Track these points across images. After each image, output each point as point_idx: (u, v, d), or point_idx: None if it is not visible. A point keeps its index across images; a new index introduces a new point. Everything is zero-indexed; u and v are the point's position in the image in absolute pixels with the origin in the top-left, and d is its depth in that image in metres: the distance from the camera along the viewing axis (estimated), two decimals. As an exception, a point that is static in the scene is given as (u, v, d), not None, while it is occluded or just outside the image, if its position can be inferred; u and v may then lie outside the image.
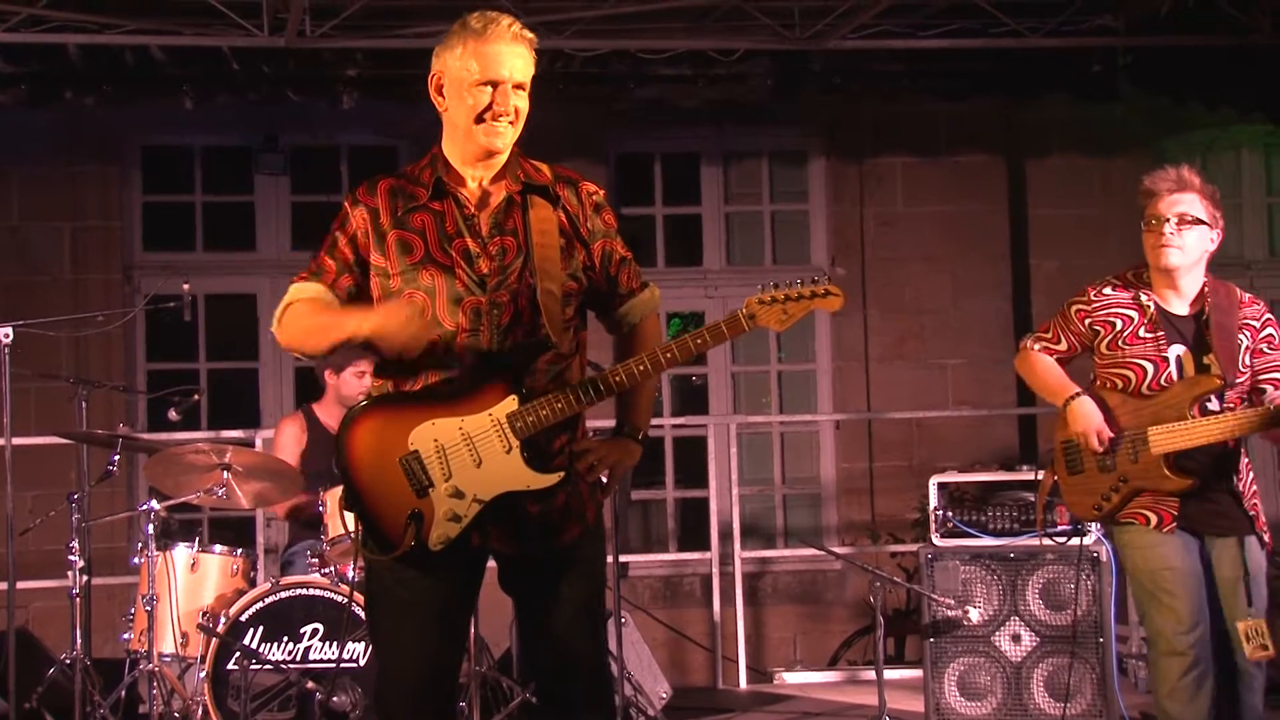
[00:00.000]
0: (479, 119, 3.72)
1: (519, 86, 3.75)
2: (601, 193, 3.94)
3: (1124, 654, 7.60)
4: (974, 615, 6.38)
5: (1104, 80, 9.12)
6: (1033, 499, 6.45)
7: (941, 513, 6.54)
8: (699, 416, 9.74)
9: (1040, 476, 5.51)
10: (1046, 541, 6.35)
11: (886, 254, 10.04)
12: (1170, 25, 8.56)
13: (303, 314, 3.79)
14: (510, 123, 3.74)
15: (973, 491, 6.87)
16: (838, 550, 8.26)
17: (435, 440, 3.65)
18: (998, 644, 6.42)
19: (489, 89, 3.72)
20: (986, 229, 10.13)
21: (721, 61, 8.86)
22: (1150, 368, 4.97)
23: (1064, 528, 6.32)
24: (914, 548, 7.84)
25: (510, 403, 3.65)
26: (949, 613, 6.39)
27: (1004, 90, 9.45)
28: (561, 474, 3.70)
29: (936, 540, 6.52)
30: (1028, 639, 6.39)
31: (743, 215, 10.35)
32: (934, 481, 6.68)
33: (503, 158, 3.81)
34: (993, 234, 10.15)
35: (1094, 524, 5.59)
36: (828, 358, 10.14)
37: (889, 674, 6.53)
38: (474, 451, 3.64)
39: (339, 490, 6.25)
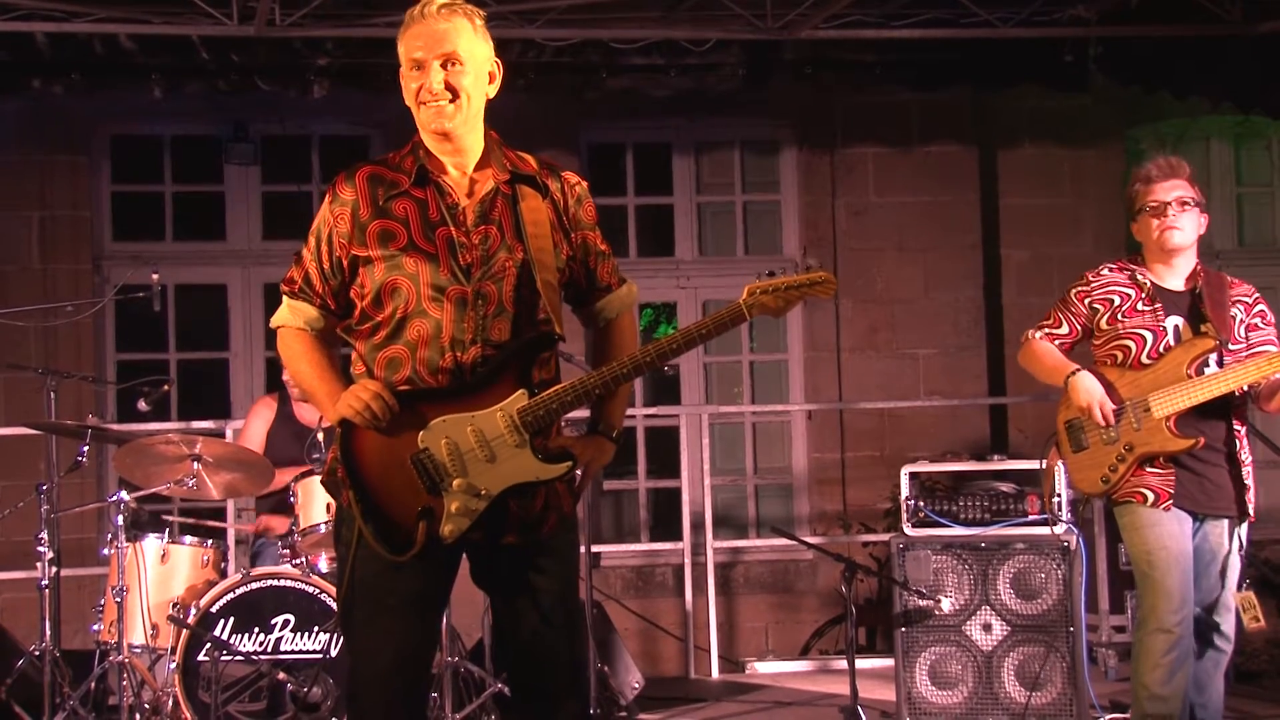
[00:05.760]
0: (418, 102, 3.71)
1: (452, 61, 3.68)
2: (584, 184, 3.91)
3: (1094, 643, 7.62)
4: (945, 605, 6.40)
5: (1075, 70, 9.13)
6: (1004, 488, 6.49)
7: (913, 502, 6.55)
8: (671, 407, 9.72)
9: (1044, 464, 5.58)
10: (1018, 531, 6.39)
11: (858, 244, 10.04)
12: (1141, 15, 8.59)
13: (295, 356, 3.83)
14: (451, 101, 3.68)
15: (944, 481, 6.88)
16: (809, 540, 8.26)
17: (447, 437, 3.62)
18: (969, 633, 6.43)
19: (417, 70, 3.70)
20: (958, 219, 10.15)
21: (693, 51, 8.84)
22: (1149, 336, 5.14)
23: (1035, 517, 6.37)
24: (885, 537, 7.87)
25: (520, 397, 3.64)
26: (920, 602, 6.40)
27: (975, 80, 9.46)
28: (569, 463, 3.69)
29: (908, 530, 6.52)
30: (999, 628, 6.40)
31: (714, 205, 10.35)
32: (905, 471, 6.68)
33: (478, 142, 3.77)
34: (964, 224, 10.17)
35: (1097, 500, 5.66)
36: (799, 348, 10.15)
37: (860, 663, 6.52)
38: (486, 447, 3.62)
39: (309, 480, 6.25)
